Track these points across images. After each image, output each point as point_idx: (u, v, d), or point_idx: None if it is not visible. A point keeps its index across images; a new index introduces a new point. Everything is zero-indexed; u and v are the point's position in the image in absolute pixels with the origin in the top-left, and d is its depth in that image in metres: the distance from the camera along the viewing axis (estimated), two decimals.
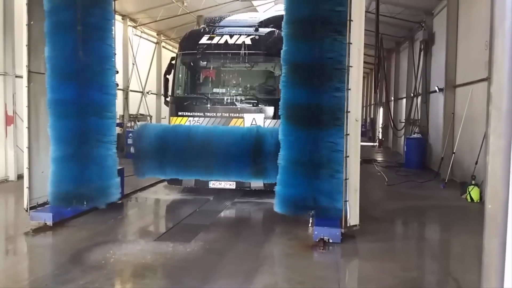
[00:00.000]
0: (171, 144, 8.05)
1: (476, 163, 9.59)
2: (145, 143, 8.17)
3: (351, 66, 6.18)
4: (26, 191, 7.03)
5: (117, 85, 7.90)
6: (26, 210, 7.02)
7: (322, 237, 6.18)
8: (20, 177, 10.94)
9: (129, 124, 17.46)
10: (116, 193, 7.59)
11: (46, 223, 6.78)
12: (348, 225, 6.27)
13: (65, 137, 7.03)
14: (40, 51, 7.01)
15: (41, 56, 7.03)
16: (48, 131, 7.04)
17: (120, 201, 8.18)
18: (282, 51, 6.74)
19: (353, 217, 6.28)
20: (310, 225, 6.76)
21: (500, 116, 1.46)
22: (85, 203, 7.18)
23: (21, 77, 10.74)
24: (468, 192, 9.27)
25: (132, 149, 8.43)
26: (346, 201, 6.23)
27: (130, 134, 15.11)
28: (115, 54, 7.74)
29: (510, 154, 1.44)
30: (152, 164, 8.12)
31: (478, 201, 9.08)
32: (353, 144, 6.27)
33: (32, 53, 7.02)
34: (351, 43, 6.15)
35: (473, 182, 9.30)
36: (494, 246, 1.49)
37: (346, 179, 6.22)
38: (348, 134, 6.20)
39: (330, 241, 6.19)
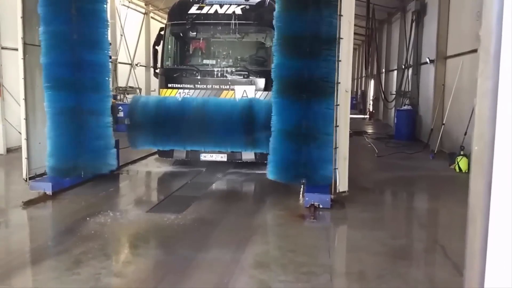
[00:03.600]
0: (164, 116, 8.06)
1: (465, 133, 9.70)
2: (139, 115, 8.18)
3: (341, 38, 6.28)
4: (24, 161, 7.12)
5: (111, 57, 7.89)
6: (26, 180, 7.11)
7: (312, 202, 6.34)
8: (9, 150, 10.88)
9: (118, 97, 17.26)
10: (113, 163, 7.70)
11: (45, 193, 6.89)
12: (337, 191, 6.46)
13: (60, 109, 7.07)
14: (35, 23, 7.02)
15: (35, 28, 7.04)
16: (43, 103, 7.08)
17: (116, 172, 8.33)
18: (274, 23, 6.72)
19: (342, 183, 6.49)
20: (301, 195, 6.86)
21: (487, 59, 1.49)
22: (82, 173, 7.34)
23: (7, 48, 10.69)
24: (456, 163, 9.40)
25: (126, 121, 8.45)
26: (335, 168, 6.41)
27: (120, 107, 14.99)
28: (108, 25, 7.68)
29: (497, 96, 1.47)
30: (146, 136, 8.15)
31: (467, 171, 9.21)
32: (343, 114, 6.43)
33: (26, 25, 7.01)
34: (342, 15, 6.22)
35: (461, 153, 9.41)
36: (480, 187, 1.54)
37: (336, 147, 6.39)
38: (338, 105, 6.35)
39: (321, 206, 6.34)
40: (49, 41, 6.93)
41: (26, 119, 7.13)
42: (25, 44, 7.03)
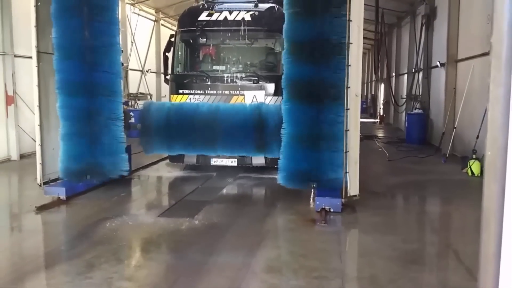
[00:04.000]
0: (176, 121, 8.16)
1: (477, 137, 9.60)
2: (152, 120, 8.27)
3: (351, 43, 6.33)
4: (39, 167, 7.24)
5: (123, 64, 8.03)
6: (40, 185, 7.23)
7: (323, 206, 6.34)
8: (22, 156, 11.03)
9: (129, 103, 17.41)
10: (125, 168, 7.78)
11: (59, 198, 7.00)
12: (348, 195, 6.46)
13: (73, 115, 7.23)
14: (48, 31, 7.17)
15: (49, 36, 7.19)
16: (57, 109, 7.24)
17: (128, 177, 8.44)
18: (284, 29, 6.76)
19: (353, 187, 6.49)
20: (312, 199, 6.86)
21: (500, 65, 1.50)
22: (95, 179, 7.47)
23: (20, 56, 10.86)
24: (469, 166, 9.31)
25: (138, 127, 8.56)
26: (346, 172, 6.41)
27: (131, 113, 15.11)
28: (120, 33, 7.82)
29: (509, 102, 1.48)
30: (158, 141, 8.25)
31: (479, 175, 9.11)
32: (353, 118, 6.45)
33: (40, 33, 7.16)
34: (351, 20, 6.26)
35: (474, 156, 9.32)
36: (493, 192, 1.55)
37: (346, 151, 6.40)
38: (348, 109, 6.37)
39: (331, 210, 6.34)
40: (61, 47, 7.08)
41: (40, 125, 7.27)
42: (39, 52, 7.18)
